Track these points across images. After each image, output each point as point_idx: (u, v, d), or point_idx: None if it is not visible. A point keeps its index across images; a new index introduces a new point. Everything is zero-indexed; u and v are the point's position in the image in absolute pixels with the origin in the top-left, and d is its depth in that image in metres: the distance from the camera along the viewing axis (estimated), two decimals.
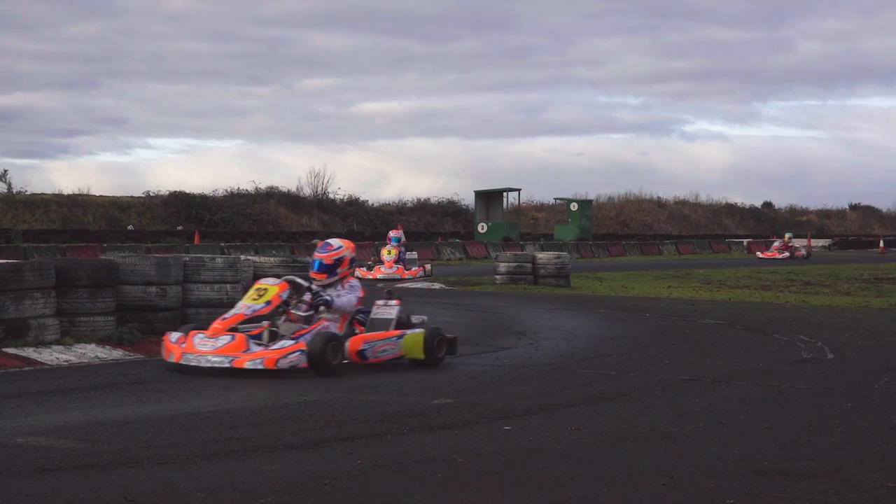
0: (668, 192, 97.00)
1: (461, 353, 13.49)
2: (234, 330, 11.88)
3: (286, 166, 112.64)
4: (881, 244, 70.42)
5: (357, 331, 12.72)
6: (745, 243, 67.51)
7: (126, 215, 56.20)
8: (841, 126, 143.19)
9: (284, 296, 12.26)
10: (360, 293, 12.75)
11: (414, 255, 33.24)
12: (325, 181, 67.77)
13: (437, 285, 28.81)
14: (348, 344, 12.22)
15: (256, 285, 12.40)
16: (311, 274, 12.73)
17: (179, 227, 52.89)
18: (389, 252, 31.49)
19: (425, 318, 13.39)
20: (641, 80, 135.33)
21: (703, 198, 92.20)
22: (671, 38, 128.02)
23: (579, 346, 14.81)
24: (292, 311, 12.39)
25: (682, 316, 19.63)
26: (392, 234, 32.47)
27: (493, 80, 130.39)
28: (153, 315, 14.15)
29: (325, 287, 12.58)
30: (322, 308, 12.41)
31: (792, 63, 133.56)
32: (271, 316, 12.25)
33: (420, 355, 12.54)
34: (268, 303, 12.12)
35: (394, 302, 13.05)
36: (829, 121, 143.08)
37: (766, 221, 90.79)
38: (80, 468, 7.23)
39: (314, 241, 48.64)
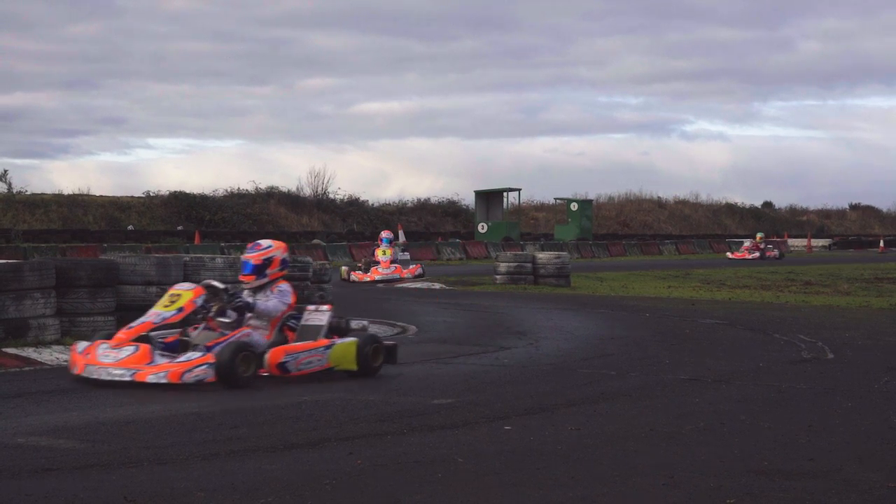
0: (668, 192, 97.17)
1: (462, 354, 13.52)
2: (142, 339, 10.97)
3: (286, 166, 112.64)
4: (881, 244, 70.42)
5: (289, 339, 11.79)
6: (745, 243, 67.48)
7: (126, 215, 56.18)
8: (841, 126, 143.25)
9: (199, 302, 11.27)
10: (290, 298, 11.74)
11: (406, 255, 33.05)
12: (326, 181, 67.80)
13: (437, 285, 28.81)
14: (268, 355, 11.26)
15: (171, 290, 11.47)
16: (241, 277, 11.88)
17: (180, 227, 52.87)
18: (384, 252, 30.98)
19: (366, 323, 12.77)
20: (641, 79, 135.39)
21: (704, 198, 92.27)
22: (671, 38, 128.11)
23: (579, 346, 14.82)
24: (212, 319, 11.44)
25: (683, 316, 19.63)
26: (384, 234, 31.99)
27: (494, 80, 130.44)
28: None
29: (254, 291, 11.72)
30: (247, 314, 11.47)
31: (792, 63, 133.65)
32: (185, 324, 11.39)
33: (352, 366, 11.61)
34: (180, 309, 11.19)
35: (325, 307, 12.13)
36: (830, 121, 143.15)
37: (766, 221, 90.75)
38: (81, 468, 7.23)
39: (314, 241, 48.69)
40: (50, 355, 12.47)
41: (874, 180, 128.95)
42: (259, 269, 11.74)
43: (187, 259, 15.05)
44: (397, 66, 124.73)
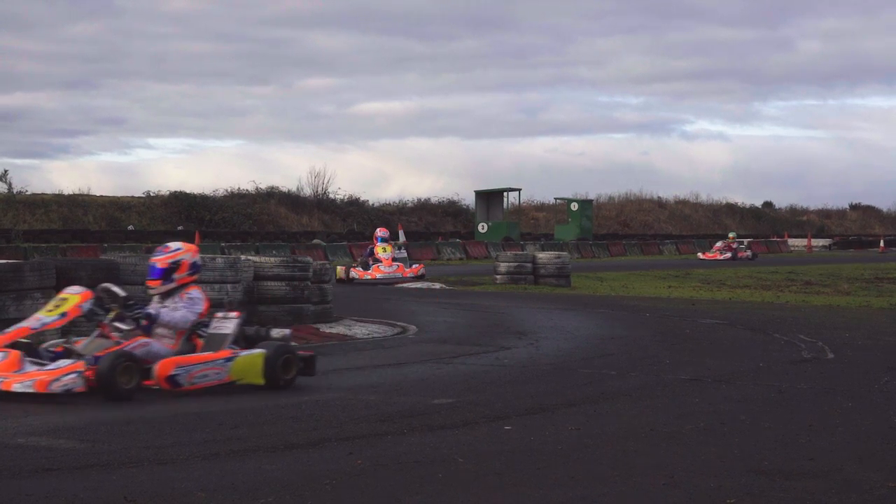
0: (668, 192, 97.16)
1: (462, 354, 13.51)
2: (14, 346, 10.18)
3: (286, 166, 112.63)
4: (881, 244, 70.42)
5: (198, 348, 10.99)
6: (745, 243, 67.44)
7: (126, 215, 56.19)
8: (841, 126, 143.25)
9: (85, 307, 10.50)
10: (201, 306, 11.00)
11: (404, 253, 32.76)
12: (326, 181, 67.79)
13: (437, 285, 28.79)
14: (157, 367, 10.30)
15: (60, 294, 10.76)
16: (147, 282, 11.22)
17: (180, 228, 52.85)
18: (385, 250, 30.35)
19: (288, 332, 11.53)
20: (642, 79, 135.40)
21: (704, 198, 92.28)
22: (671, 38, 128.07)
23: (580, 345, 14.82)
24: (106, 325, 10.69)
25: (683, 316, 19.63)
26: (379, 232, 31.17)
27: (494, 80, 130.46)
28: None
29: (162, 297, 11.07)
30: (144, 323, 10.74)
31: (792, 63, 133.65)
32: (68, 330, 11.03)
33: (258, 379, 10.68)
34: (63, 314, 10.44)
35: (233, 314, 11.30)
36: (830, 120, 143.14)
37: (766, 221, 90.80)
38: (81, 468, 7.23)
39: (314, 241, 48.70)
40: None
41: (874, 180, 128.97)
42: (166, 274, 11.07)
43: None
44: (397, 66, 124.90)
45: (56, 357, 10.20)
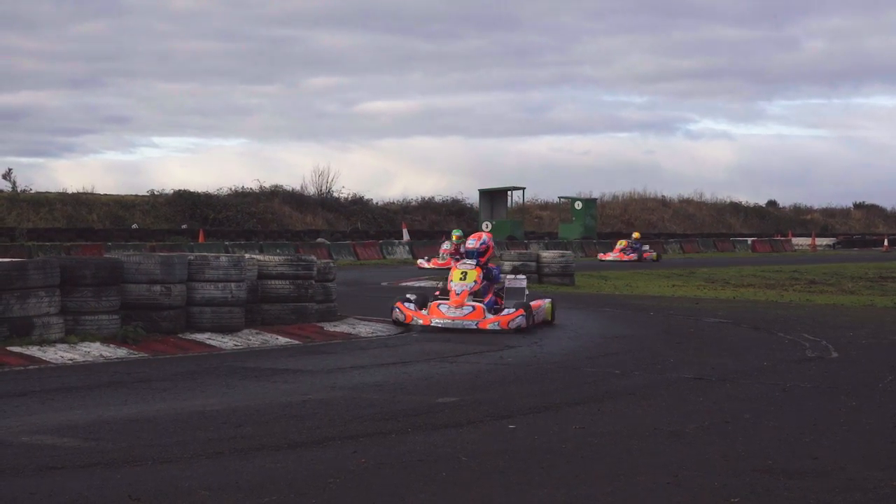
0: (672, 191, 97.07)
1: (466, 352, 13.52)
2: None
3: (291, 165, 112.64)
4: (885, 243, 70.42)
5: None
6: (749, 242, 67.48)
7: (130, 214, 56.19)
8: (846, 125, 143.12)
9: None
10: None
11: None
12: (330, 180, 67.77)
13: (441, 283, 28.74)
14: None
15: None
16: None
17: (184, 226, 52.85)
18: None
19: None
20: (646, 78, 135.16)
21: (708, 196, 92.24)
22: (676, 37, 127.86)
23: (583, 344, 14.82)
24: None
25: (687, 314, 19.62)
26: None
27: (498, 79, 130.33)
28: (157, 314, 14.16)
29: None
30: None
31: (797, 62, 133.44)
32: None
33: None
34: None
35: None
36: (834, 119, 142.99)
37: (770, 220, 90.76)
38: (85, 467, 7.24)
39: (318, 239, 48.69)
40: (54, 354, 12.48)
41: (879, 179, 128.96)
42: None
43: (192, 258, 15.04)
44: (402, 66, 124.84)
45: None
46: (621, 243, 49.49)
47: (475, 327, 15.93)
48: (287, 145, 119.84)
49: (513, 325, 15.99)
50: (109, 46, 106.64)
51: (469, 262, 16.94)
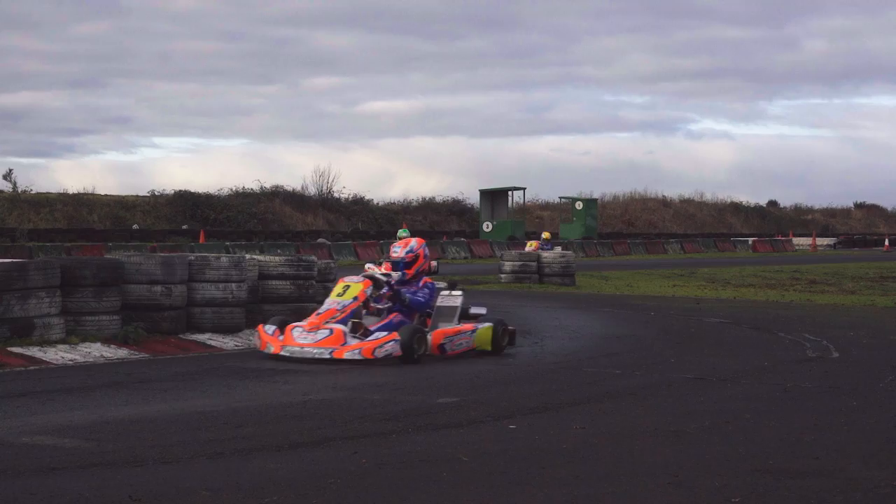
0: (673, 191, 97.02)
1: (466, 353, 13.50)
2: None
3: (292, 165, 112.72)
4: (886, 243, 70.38)
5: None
6: (750, 242, 67.47)
7: (131, 214, 56.18)
8: (847, 125, 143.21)
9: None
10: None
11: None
12: (331, 180, 67.74)
13: (441, 284, 28.74)
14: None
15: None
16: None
17: (185, 226, 52.86)
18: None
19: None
20: (647, 79, 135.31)
21: (709, 196, 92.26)
22: (677, 37, 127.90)
23: (584, 344, 14.81)
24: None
25: (688, 314, 19.62)
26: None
27: (499, 79, 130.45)
28: (158, 314, 14.16)
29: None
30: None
31: (798, 62, 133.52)
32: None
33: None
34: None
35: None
36: (835, 119, 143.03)
37: (771, 220, 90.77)
38: (86, 467, 7.23)
39: (319, 240, 48.69)
40: (55, 354, 12.48)
41: (879, 179, 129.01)
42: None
43: (192, 258, 15.04)
44: (403, 66, 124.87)
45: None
46: (531, 245, 40.10)
47: (329, 356, 12.49)
48: (288, 145, 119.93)
49: (379, 353, 12.48)
50: (110, 47, 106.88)
51: (377, 271, 13.87)
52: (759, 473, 7.25)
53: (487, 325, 13.69)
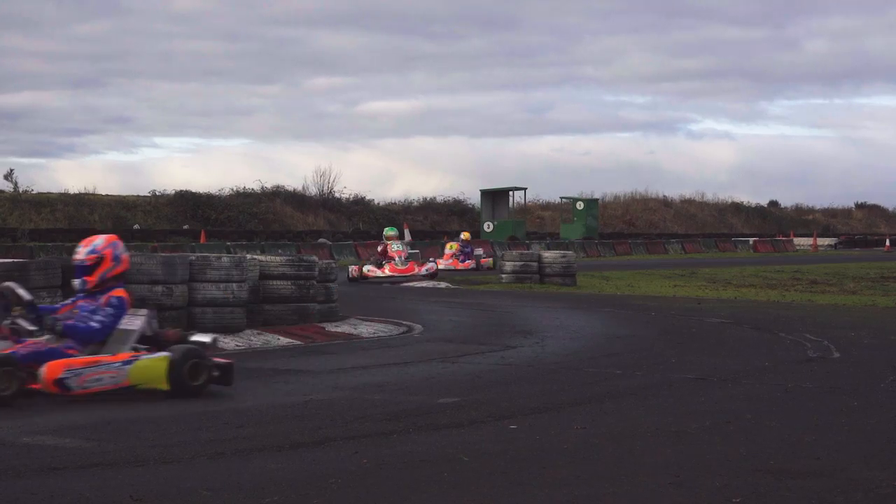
0: (674, 191, 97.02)
1: (468, 353, 13.51)
2: None
3: (292, 165, 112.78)
4: (887, 243, 70.35)
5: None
6: (751, 242, 67.46)
7: (132, 214, 56.20)
8: (847, 125, 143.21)
9: None
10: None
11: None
12: (331, 180, 67.75)
13: (442, 284, 28.81)
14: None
15: None
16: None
17: (186, 226, 52.87)
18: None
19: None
20: (648, 79, 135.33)
21: (710, 197, 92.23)
22: (678, 37, 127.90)
23: (585, 345, 14.81)
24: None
25: (688, 315, 19.62)
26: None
27: (500, 79, 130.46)
28: (159, 314, 14.12)
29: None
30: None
31: (798, 62, 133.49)
32: None
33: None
34: None
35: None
36: (836, 119, 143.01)
37: (772, 220, 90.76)
38: (86, 467, 7.24)
39: (320, 240, 48.71)
40: None
41: (880, 179, 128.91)
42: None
43: (193, 258, 15.06)
44: (404, 66, 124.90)
45: None
46: (451, 247, 37.55)
47: None
48: (289, 145, 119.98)
49: None
50: (111, 47, 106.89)
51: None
52: (760, 474, 7.25)
53: (161, 355, 10.02)
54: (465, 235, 40.63)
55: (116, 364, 9.90)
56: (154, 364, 9.95)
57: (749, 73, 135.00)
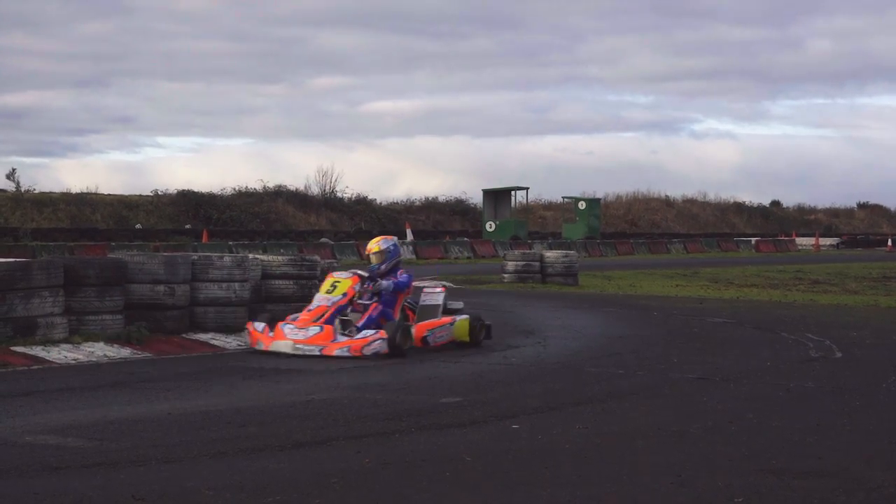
0: (676, 191, 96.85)
1: (469, 353, 13.53)
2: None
3: (295, 165, 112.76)
4: (889, 243, 70.33)
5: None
6: (753, 242, 67.42)
7: (134, 214, 56.17)
8: (850, 125, 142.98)
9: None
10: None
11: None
12: (333, 180, 67.72)
13: (445, 284, 28.78)
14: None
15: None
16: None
17: (188, 226, 52.85)
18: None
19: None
20: (651, 78, 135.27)
21: (712, 196, 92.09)
22: (682, 37, 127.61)
23: (587, 344, 14.81)
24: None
25: (691, 314, 19.62)
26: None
27: (504, 79, 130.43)
28: (161, 314, 14.16)
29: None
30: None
31: (802, 62, 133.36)
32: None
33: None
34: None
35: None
36: (839, 119, 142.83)
37: (774, 220, 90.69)
38: (89, 467, 7.24)
39: (322, 239, 48.72)
40: (58, 354, 12.48)
41: (883, 179, 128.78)
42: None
43: (195, 258, 15.05)
44: (408, 66, 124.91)
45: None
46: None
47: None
48: (292, 145, 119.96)
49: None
50: (115, 47, 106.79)
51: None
52: (762, 473, 7.25)
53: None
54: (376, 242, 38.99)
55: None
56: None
57: (752, 72, 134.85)
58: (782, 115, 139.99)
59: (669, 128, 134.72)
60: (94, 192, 58.14)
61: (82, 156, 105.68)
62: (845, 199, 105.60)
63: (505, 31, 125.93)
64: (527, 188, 63.36)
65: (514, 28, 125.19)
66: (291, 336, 13.20)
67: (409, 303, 14.48)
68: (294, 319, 13.51)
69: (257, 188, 63.91)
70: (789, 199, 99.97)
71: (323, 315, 13.39)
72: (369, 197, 69.12)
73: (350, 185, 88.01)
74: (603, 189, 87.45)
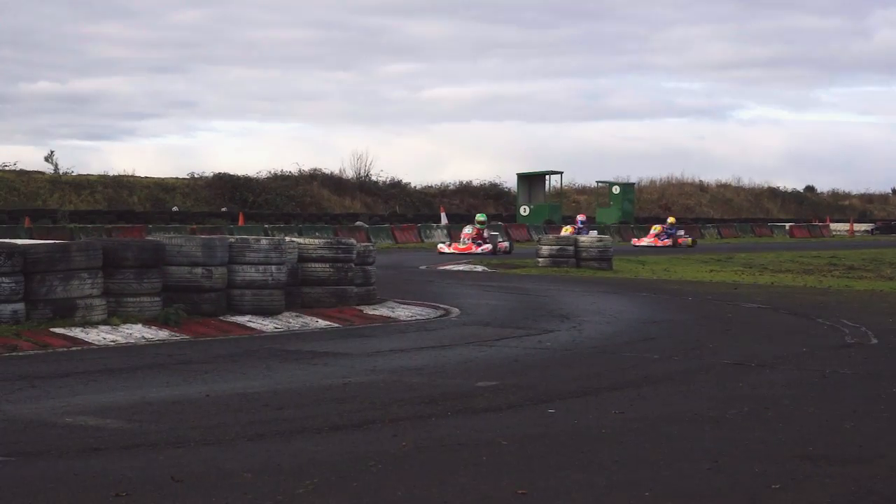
0: (710, 176, 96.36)
1: (505, 337, 13.54)
2: None
3: (341, 149, 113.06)
4: None
5: None
6: (787, 227, 67.15)
7: (171, 196, 56.38)
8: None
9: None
10: None
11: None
12: (368, 163, 67.82)
13: (479, 268, 28.81)
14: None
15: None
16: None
17: (224, 209, 53.02)
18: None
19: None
20: (714, 66, 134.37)
21: (746, 181, 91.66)
22: (754, 26, 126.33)
23: (622, 329, 14.81)
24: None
25: (725, 300, 19.58)
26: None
27: (570, 67, 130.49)
28: (199, 296, 14.25)
29: None
30: None
31: (865, 50, 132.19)
32: None
33: None
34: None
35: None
36: (888, 106, 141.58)
37: (808, 205, 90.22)
38: (128, 448, 7.31)
39: (357, 223, 48.81)
40: (97, 335, 12.57)
41: None
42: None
43: (232, 240, 15.13)
44: (478, 53, 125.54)
45: None
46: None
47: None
48: (342, 129, 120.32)
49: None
50: (201, 34, 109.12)
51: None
52: (799, 460, 7.25)
53: None
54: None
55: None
56: None
57: (813, 61, 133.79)
58: (831, 103, 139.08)
59: (720, 114, 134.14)
60: (130, 174, 58.38)
61: (138, 139, 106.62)
62: (881, 185, 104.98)
63: (587, 21, 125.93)
64: (561, 172, 63.33)
65: (598, 18, 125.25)
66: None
67: None
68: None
69: (293, 172, 64.07)
70: (825, 185, 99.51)
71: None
72: (404, 181, 69.21)
73: (389, 169, 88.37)
74: (645, 174, 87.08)
